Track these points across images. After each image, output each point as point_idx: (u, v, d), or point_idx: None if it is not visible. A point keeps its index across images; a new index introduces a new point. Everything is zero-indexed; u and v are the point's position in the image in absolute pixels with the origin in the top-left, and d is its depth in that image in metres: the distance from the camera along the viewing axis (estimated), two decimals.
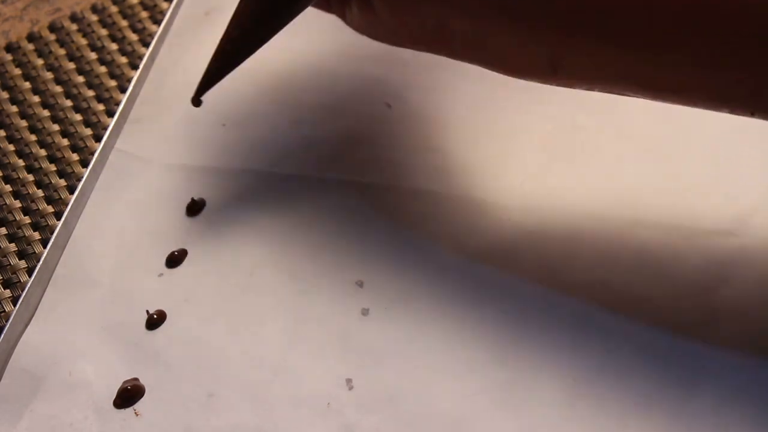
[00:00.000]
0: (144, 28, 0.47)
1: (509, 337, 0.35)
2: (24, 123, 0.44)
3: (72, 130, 0.44)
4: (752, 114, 0.31)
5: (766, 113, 0.31)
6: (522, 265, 0.37)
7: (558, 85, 0.33)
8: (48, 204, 0.42)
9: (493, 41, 0.33)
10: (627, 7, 0.30)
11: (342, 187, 0.40)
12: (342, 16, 0.37)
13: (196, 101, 0.38)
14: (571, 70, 0.32)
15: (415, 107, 0.42)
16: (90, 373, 0.36)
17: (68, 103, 0.45)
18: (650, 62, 0.31)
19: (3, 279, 0.39)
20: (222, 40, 0.37)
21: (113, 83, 0.45)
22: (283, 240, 0.39)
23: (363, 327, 0.36)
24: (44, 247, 0.40)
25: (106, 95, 0.45)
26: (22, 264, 0.40)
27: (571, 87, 0.33)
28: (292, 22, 0.38)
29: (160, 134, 0.42)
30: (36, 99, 0.45)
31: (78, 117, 0.44)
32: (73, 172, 0.42)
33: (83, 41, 0.47)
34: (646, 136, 0.39)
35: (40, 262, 0.38)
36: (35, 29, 0.47)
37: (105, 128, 0.43)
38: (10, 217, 0.41)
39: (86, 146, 0.43)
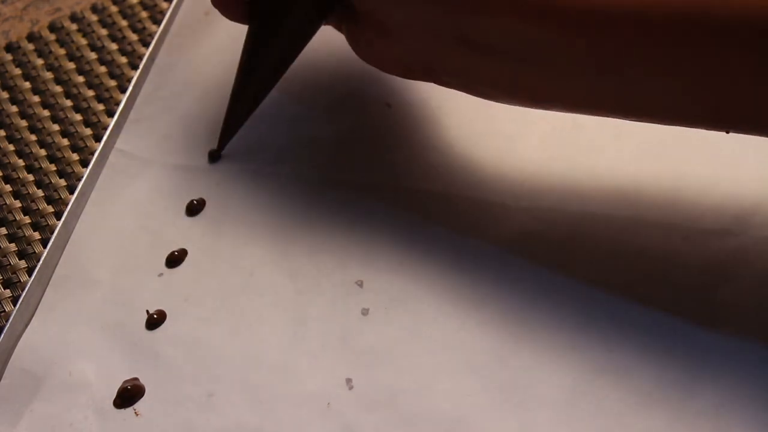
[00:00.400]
0: (144, 28, 0.47)
1: (509, 337, 0.35)
2: (24, 123, 0.44)
3: (72, 130, 0.44)
4: (727, 132, 0.31)
5: (739, 130, 0.32)
6: (522, 265, 0.37)
7: (539, 109, 0.35)
8: (48, 204, 0.42)
9: (477, 82, 0.35)
10: (592, 53, 0.32)
11: (342, 186, 0.40)
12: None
13: (216, 155, 0.41)
14: (549, 103, 0.35)
15: (415, 107, 0.42)
16: (90, 373, 0.36)
17: (68, 103, 0.45)
18: (622, 91, 0.32)
19: (3, 279, 0.39)
20: (233, 91, 0.39)
21: (113, 83, 0.45)
22: (283, 240, 0.39)
23: (363, 327, 0.36)
24: (44, 247, 0.40)
25: (106, 95, 0.45)
26: (22, 264, 0.40)
27: (552, 111, 0.35)
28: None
29: (160, 134, 0.42)
30: (36, 99, 0.45)
31: (78, 117, 0.44)
32: (73, 172, 0.42)
33: (83, 41, 0.47)
34: (646, 136, 0.39)
35: (40, 262, 0.38)
36: (35, 29, 0.47)
37: (105, 128, 0.43)
38: (10, 217, 0.41)
39: (86, 146, 0.43)
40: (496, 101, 0.36)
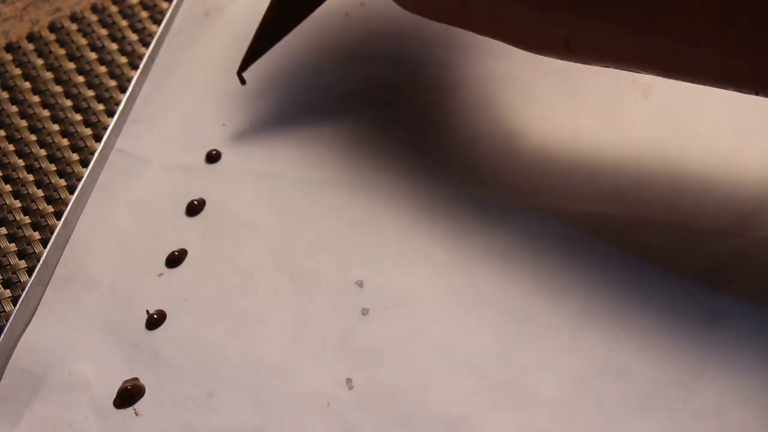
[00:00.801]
0: (144, 28, 0.47)
1: (509, 337, 0.35)
2: (24, 123, 0.44)
3: (72, 130, 0.44)
4: (757, 93, 0.31)
5: None
6: (522, 265, 0.37)
7: (573, 61, 0.33)
8: (48, 204, 0.42)
9: (511, 20, 0.34)
10: None
11: (342, 187, 0.40)
12: None
13: (241, 78, 0.40)
14: (585, 48, 0.33)
15: (415, 107, 0.42)
16: (90, 373, 0.36)
17: (68, 103, 0.45)
18: (659, 42, 0.31)
19: (3, 279, 0.39)
20: (264, 17, 0.39)
21: (113, 83, 0.45)
22: (283, 240, 0.39)
23: (363, 327, 0.36)
24: (44, 247, 0.40)
25: (106, 95, 0.45)
26: (22, 264, 0.40)
27: (585, 63, 0.33)
28: None
29: (160, 134, 0.42)
30: (36, 99, 0.45)
31: (78, 117, 0.44)
32: (73, 172, 0.42)
33: (83, 41, 0.47)
34: (646, 137, 0.39)
35: (40, 262, 0.38)
36: (35, 29, 0.47)
37: (105, 128, 0.43)
38: (10, 217, 0.41)
39: (86, 146, 0.43)
40: (525, 48, 0.34)
